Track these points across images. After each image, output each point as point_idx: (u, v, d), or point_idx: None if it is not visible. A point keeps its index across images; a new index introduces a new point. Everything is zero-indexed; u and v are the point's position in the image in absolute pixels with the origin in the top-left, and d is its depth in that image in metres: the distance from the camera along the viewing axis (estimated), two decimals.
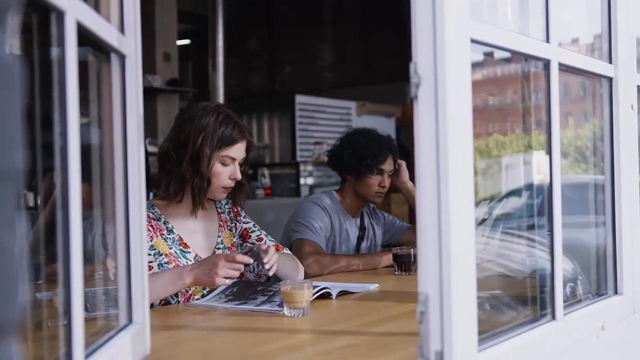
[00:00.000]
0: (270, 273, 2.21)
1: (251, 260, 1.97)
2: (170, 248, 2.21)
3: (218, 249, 2.35)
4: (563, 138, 1.55)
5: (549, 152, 1.50)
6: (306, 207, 2.91)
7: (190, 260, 2.23)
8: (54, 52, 0.98)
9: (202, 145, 2.17)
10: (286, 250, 2.49)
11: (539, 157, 1.83)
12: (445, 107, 1.12)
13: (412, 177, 3.08)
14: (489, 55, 1.44)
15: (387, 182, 2.95)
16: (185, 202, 2.26)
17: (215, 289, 2.13)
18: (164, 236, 2.21)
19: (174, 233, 2.24)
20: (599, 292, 1.80)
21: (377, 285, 2.34)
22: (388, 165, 2.95)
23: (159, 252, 2.17)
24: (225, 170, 2.23)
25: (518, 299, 1.71)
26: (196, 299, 2.16)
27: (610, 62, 1.78)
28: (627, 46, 1.81)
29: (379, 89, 8.79)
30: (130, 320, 1.34)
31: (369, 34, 9.39)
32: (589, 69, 1.71)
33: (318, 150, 7.47)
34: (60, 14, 0.95)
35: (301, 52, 9.88)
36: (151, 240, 2.16)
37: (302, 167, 7.33)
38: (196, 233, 2.30)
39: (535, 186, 1.91)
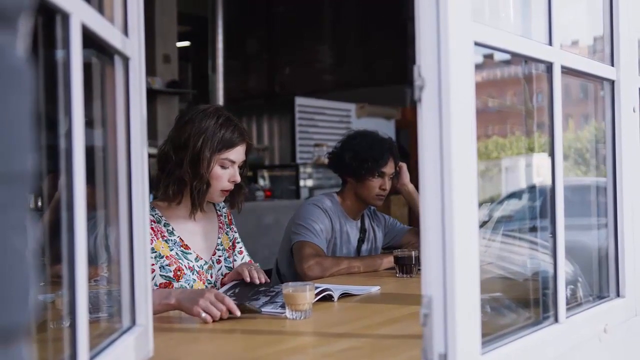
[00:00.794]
0: None
1: (238, 313, 1.83)
2: (171, 250, 2.21)
3: (218, 249, 2.35)
4: (563, 140, 1.55)
5: (552, 154, 1.51)
6: (307, 209, 2.91)
7: (191, 261, 2.23)
8: (59, 54, 0.98)
9: (202, 147, 2.17)
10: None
11: (539, 160, 1.83)
12: (449, 109, 1.13)
13: (412, 179, 3.09)
14: (488, 57, 1.45)
15: (388, 184, 2.95)
16: (184, 204, 2.26)
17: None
18: (165, 238, 2.21)
19: (174, 235, 2.24)
20: (601, 294, 1.80)
21: (378, 287, 2.34)
22: (389, 168, 2.94)
23: (160, 254, 2.18)
24: (225, 173, 2.23)
25: (520, 302, 1.71)
26: None
27: (612, 65, 1.78)
28: (629, 49, 1.82)
29: (379, 91, 8.79)
30: (133, 322, 1.33)
31: (368, 36, 9.40)
32: (591, 71, 1.72)
33: (318, 152, 7.46)
34: (66, 16, 0.95)
35: (301, 53, 9.89)
36: (151, 243, 2.15)
37: (301, 169, 7.33)
38: (196, 235, 2.30)
39: (536, 188, 1.91)
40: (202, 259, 2.27)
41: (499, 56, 1.51)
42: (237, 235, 2.48)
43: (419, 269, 2.58)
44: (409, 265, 2.62)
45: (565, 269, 1.54)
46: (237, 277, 2.20)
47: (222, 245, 2.37)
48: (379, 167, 2.91)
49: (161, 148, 2.26)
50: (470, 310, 1.16)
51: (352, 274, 2.73)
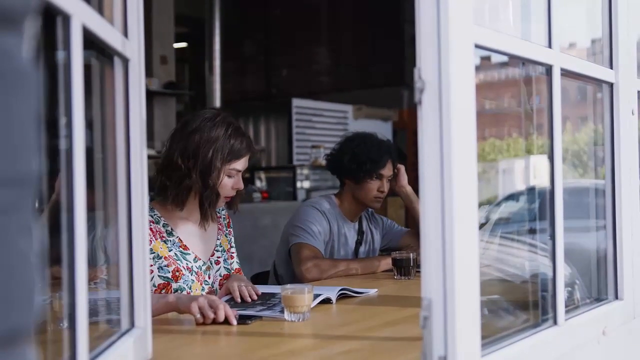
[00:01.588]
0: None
1: (234, 322, 1.81)
2: (170, 250, 2.21)
3: (217, 250, 2.35)
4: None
5: (551, 157, 1.51)
6: (305, 211, 2.91)
7: (190, 262, 2.23)
8: (59, 55, 0.97)
9: (213, 158, 2.18)
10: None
11: (536, 162, 1.83)
12: (450, 112, 1.13)
13: (408, 181, 3.09)
14: (485, 59, 1.45)
15: (386, 187, 2.95)
16: (187, 209, 2.26)
17: None
18: (164, 239, 2.21)
19: (173, 235, 2.24)
20: (600, 297, 1.81)
21: (376, 290, 2.34)
22: (387, 171, 2.94)
23: (158, 255, 2.17)
24: (230, 181, 2.25)
25: (518, 304, 1.71)
26: None
27: (611, 68, 1.79)
28: (628, 52, 1.82)
29: (376, 93, 8.79)
30: (132, 324, 1.33)
31: (365, 38, 9.40)
32: (590, 74, 1.72)
33: (315, 154, 7.45)
34: (67, 18, 0.95)
35: (298, 55, 9.88)
36: (150, 244, 2.15)
37: (298, 171, 7.31)
38: (195, 236, 2.30)
39: (533, 190, 1.92)
40: (200, 259, 2.27)
41: (495, 58, 1.51)
42: (232, 239, 2.48)
43: (417, 271, 2.58)
44: (407, 268, 2.62)
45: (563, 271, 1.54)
46: (228, 292, 2.16)
47: (221, 246, 2.38)
48: (378, 169, 2.91)
49: (167, 155, 2.24)
50: (470, 312, 1.16)
51: (350, 276, 2.73)
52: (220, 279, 2.32)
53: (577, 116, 2.11)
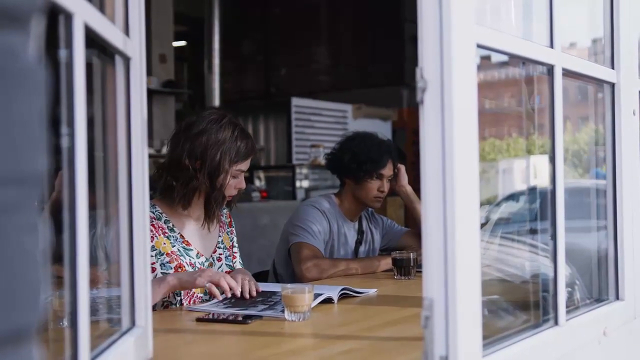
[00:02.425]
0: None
1: (238, 291, 2.00)
2: (173, 246, 2.22)
3: (219, 247, 2.37)
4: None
5: (552, 156, 1.51)
6: (305, 210, 2.91)
7: (193, 258, 2.25)
8: (62, 53, 0.97)
9: (221, 160, 2.20)
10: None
11: (537, 162, 1.83)
12: (452, 111, 1.12)
13: (408, 181, 3.08)
14: (485, 58, 1.44)
15: (386, 187, 2.94)
16: (189, 208, 2.28)
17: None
18: (166, 234, 2.22)
19: (175, 231, 2.25)
20: (601, 297, 1.80)
21: (375, 290, 2.33)
22: (388, 171, 2.94)
23: (160, 251, 2.18)
24: (234, 181, 2.28)
25: (519, 304, 1.71)
26: (199, 296, 2.19)
27: (613, 68, 1.78)
28: (630, 52, 1.82)
29: (375, 92, 8.79)
30: (133, 323, 1.33)
31: (365, 37, 9.40)
32: (591, 74, 1.72)
33: (314, 153, 7.45)
34: (69, 16, 0.95)
35: (297, 54, 9.88)
36: (152, 241, 2.16)
37: (298, 170, 7.31)
38: (197, 233, 2.31)
39: (534, 191, 1.91)
40: (203, 255, 2.29)
41: (496, 58, 1.51)
42: (235, 238, 2.48)
43: (418, 271, 2.58)
44: (407, 268, 2.61)
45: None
46: None
47: (222, 243, 2.39)
48: (378, 169, 2.91)
49: (173, 155, 2.25)
50: (471, 312, 1.16)
51: (350, 275, 2.73)
52: None
53: (578, 116, 2.11)
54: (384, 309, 2.08)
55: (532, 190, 1.93)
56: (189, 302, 2.18)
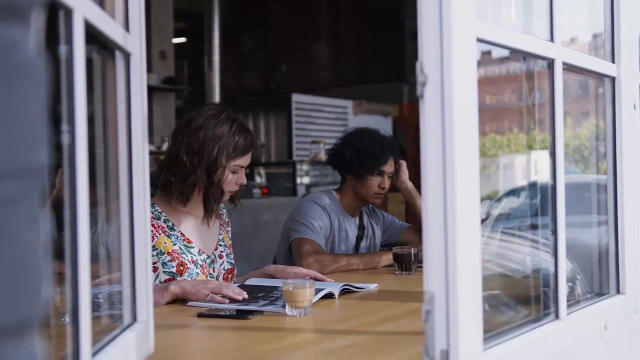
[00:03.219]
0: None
1: (243, 297, 1.99)
2: (174, 244, 2.22)
3: (220, 245, 2.36)
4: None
5: (553, 151, 1.51)
6: (306, 206, 2.91)
7: (195, 255, 2.25)
8: (61, 49, 0.97)
9: (219, 155, 2.20)
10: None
11: (537, 157, 1.83)
12: (452, 105, 1.12)
13: (408, 176, 3.08)
14: (485, 53, 1.44)
15: (387, 183, 2.94)
16: (189, 205, 2.28)
17: None
18: (167, 233, 2.22)
19: (175, 230, 2.25)
20: (602, 291, 1.81)
21: (377, 285, 2.34)
22: (389, 167, 2.94)
23: (161, 251, 2.18)
24: (234, 177, 2.27)
25: (520, 299, 1.71)
26: None
27: (613, 62, 1.78)
28: (630, 46, 1.82)
29: (376, 88, 8.79)
30: (134, 318, 1.33)
31: (365, 33, 9.39)
32: (592, 68, 1.72)
33: (315, 150, 7.44)
34: (69, 12, 0.95)
35: (297, 50, 9.88)
36: (152, 240, 2.16)
37: (298, 166, 7.31)
38: (198, 230, 2.31)
39: (535, 186, 1.91)
40: (204, 252, 2.29)
41: (496, 53, 1.51)
42: (230, 236, 2.49)
43: (418, 266, 2.58)
44: (408, 263, 2.62)
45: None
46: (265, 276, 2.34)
47: (223, 241, 2.39)
48: (379, 165, 2.91)
49: (171, 151, 2.25)
50: (472, 306, 1.16)
51: (351, 271, 2.73)
52: (224, 273, 2.34)
53: (579, 111, 2.11)
54: (384, 304, 2.08)
55: (532, 185, 1.93)
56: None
